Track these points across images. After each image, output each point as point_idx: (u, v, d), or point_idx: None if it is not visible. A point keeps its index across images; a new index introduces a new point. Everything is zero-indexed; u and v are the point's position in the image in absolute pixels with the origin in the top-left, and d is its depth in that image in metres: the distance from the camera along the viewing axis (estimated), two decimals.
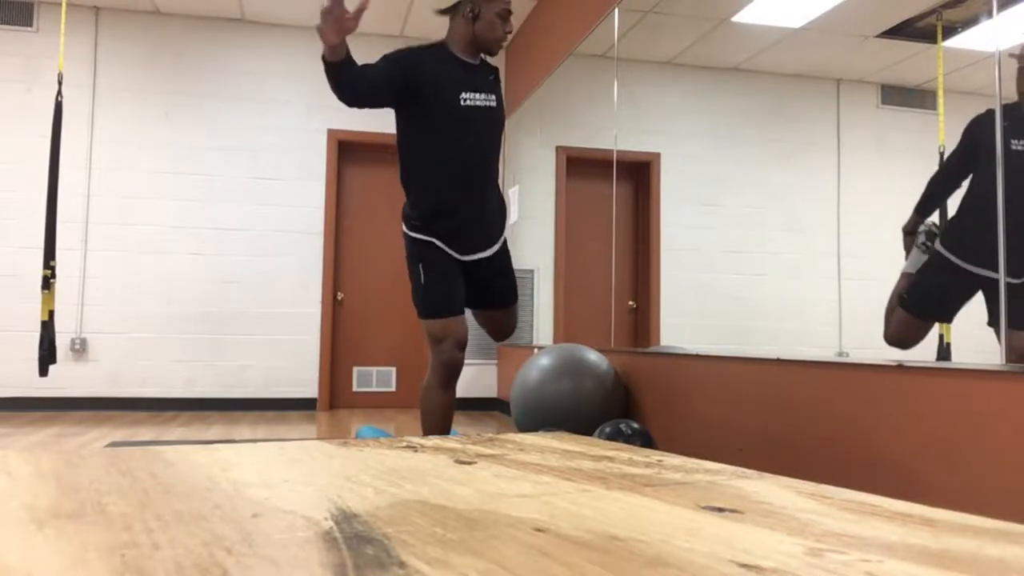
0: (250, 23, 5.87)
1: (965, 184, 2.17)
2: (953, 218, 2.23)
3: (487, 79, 2.75)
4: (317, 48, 5.97)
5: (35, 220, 5.28)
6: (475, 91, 2.66)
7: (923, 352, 2.19)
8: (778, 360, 2.68)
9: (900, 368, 2.17)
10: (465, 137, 2.66)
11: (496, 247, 2.82)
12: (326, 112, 5.94)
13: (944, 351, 2.12)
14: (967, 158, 2.20)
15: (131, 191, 5.60)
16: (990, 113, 2.14)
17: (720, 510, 0.84)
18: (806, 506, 0.87)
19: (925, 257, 2.30)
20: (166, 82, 5.71)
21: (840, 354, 2.49)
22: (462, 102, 2.62)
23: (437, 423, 2.73)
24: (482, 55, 2.76)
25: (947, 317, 2.19)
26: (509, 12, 2.69)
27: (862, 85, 2.52)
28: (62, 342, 5.25)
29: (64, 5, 4.28)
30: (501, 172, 6.18)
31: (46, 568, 0.60)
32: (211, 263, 5.69)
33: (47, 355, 3.88)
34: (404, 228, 2.76)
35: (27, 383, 5.31)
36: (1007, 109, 2.05)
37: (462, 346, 2.71)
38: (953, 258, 2.22)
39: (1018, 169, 1.98)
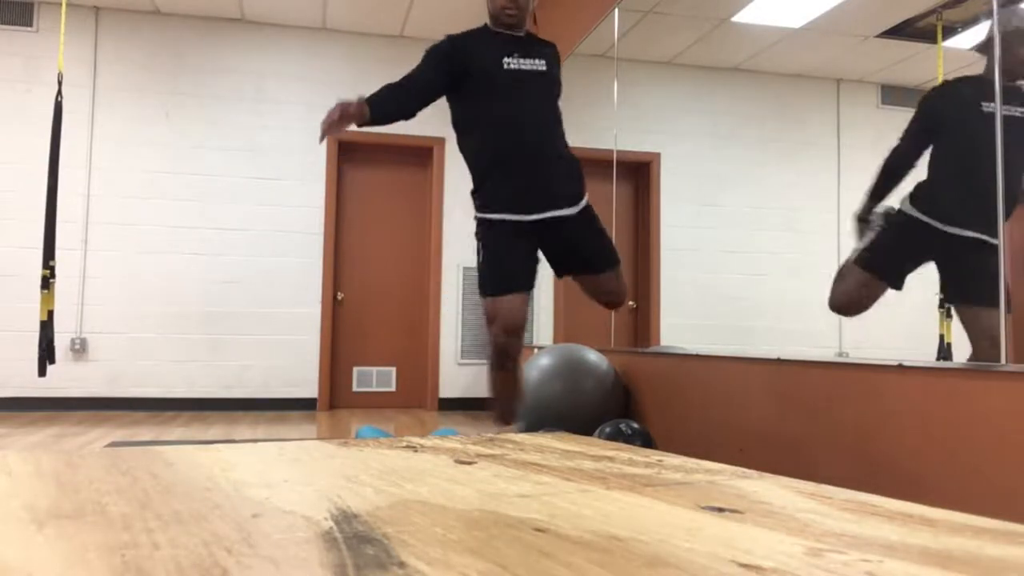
0: (250, 23, 5.87)
1: (925, 158, 2.20)
2: (922, 182, 2.26)
3: (535, 47, 2.78)
4: (317, 48, 5.97)
5: (35, 220, 5.27)
6: (520, 56, 2.70)
7: (923, 352, 2.19)
8: (778, 360, 2.68)
9: (900, 368, 2.17)
10: (514, 98, 2.67)
11: (573, 209, 2.70)
12: (326, 112, 5.93)
13: (944, 351, 2.12)
14: (926, 132, 2.25)
15: (131, 191, 5.60)
16: (944, 85, 2.19)
17: (720, 510, 0.84)
18: (806, 506, 0.86)
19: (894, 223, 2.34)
20: (166, 82, 5.71)
21: (840, 354, 2.49)
22: (505, 65, 2.67)
23: (502, 402, 2.81)
24: (524, 30, 2.82)
25: (902, 276, 2.24)
26: None
27: (862, 85, 2.52)
28: (62, 342, 5.25)
29: (64, 5, 4.28)
30: None
31: (46, 568, 0.60)
32: (211, 263, 5.69)
33: (46, 355, 3.88)
34: (478, 213, 2.74)
35: (27, 383, 5.31)
36: (976, 78, 2.07)
37: (511, 329, 2.64)
38: (925, 218, 2.25)
39: (988, 129, 2.00)
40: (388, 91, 2.63)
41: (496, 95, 2.66)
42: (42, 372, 3.89)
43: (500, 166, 2.66)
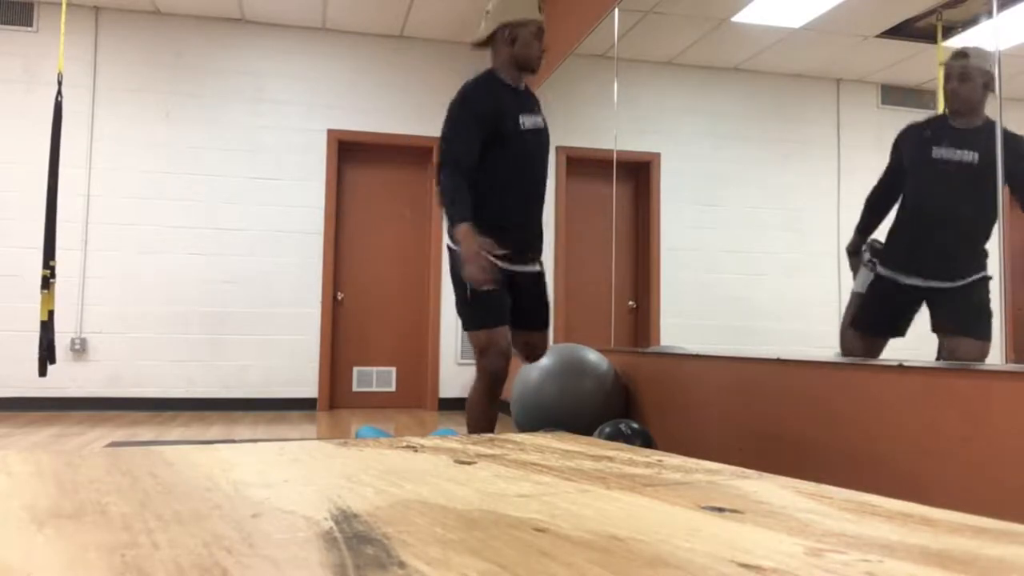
0: (250, 23, 5.87)
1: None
2: (888, 236, 2.26)
3: (533, 102, 2.85)
4: (317, 48, 5.97)
5: (35, 220, 5.27)
6: (528, 114, 2.77)
7: (923, 352, 2.19)
8: (778, 360, 2.68)
9: (900, 368, 2.17)
10: (524, 159, 2.76)
11: (538, 267, 2.90)
12: (326, 112, 5.94)
13: (944, 351, 2.12)
14: (898, 172, 2.25)
15: (131, 191, 5.60)
16: (908, 126, 2.20)
17: (720, 510, 0.84)
18: (806, 506, 0.86)
19: (872, 275, 2.34)
20: (166, 82, 5.71)
21: (840, 354, 2.49)
22: (521, 126, 2.73)
23: (483, 430, 2.78)
24: (524, 80, 2.85)
25: (899, 332, 2.25)
26: (542, 31, 2.77)
27: (862, 85, 2.52)
28: (62, 342, 5.25)
29: (64, 5, 4.28)
30: None
31: (46, 568, 0.60)
32: (211, 263, 5.69)
33: (47, 355, 3.87)
34: (450, 243, 2.75)
35: (27, 383, 5.31)
36: (931, 121, 2.09)
37: (507, 356, 2.75)
38: (893, 275, 2.26)
39: (940, 175, 2.00)
40: (462, 193, 2.63)
41: (513, 153, 2.73)
42: (42, 372, 3.89)
43: (502, 220, 2.74)
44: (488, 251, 2.64)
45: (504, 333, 2.75)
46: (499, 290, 2.73)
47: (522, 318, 2.89)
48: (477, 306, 2.73)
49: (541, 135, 2.81)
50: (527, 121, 2.74)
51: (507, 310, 2.78)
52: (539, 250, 2.90)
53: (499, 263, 2.74)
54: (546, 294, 2.95)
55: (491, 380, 2.73)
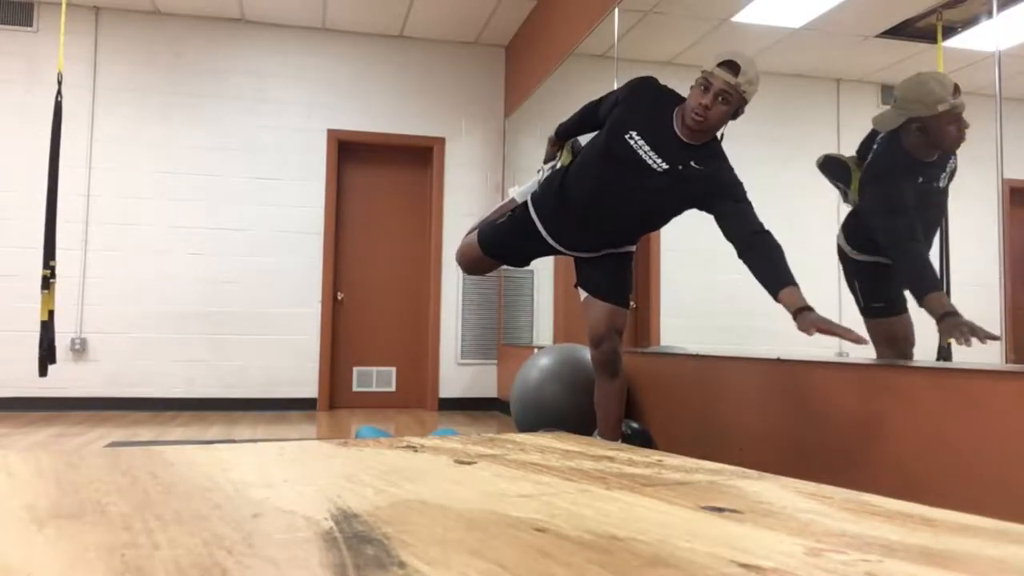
0: (250, 23, 5.87)
1: None
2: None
3: (681, 152, 2.43)
4: (317, 48, 5.97)
5: (35, 220, 5.27)
6: (651, 146, 2.43)
7: (923, 352, 2.19)
8: (778, 360, 2.68)
9: (900, 368, 2.17)
10: (607, 172, 2.49)
11: (598, 253, 2.75)
12: (326, 112, 5.94)
13: (944, 351, 2.12)
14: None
15: (131, 191, 5.60)
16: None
17: (720, 510, 0.84)
18: (806, 506, 0.86)
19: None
20: (166, 82, 5.71)
21: (840, 354, 2.49)
22: (627, 138, 2.45)
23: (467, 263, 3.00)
24: (704, 140, 2.46)
25: (900, 307, 2.28)
26: (708, 84, 2.34)
27: (862, 85, 2.52)
28: (62, 342, 5.25)
29: (64, 5, 4.28)
30: (500, 174, 6.19)
31: (46, 568, 0.60)
32: (211, 263, 5.69)
33: (47, 355, 3.88)
34: (529, 199, 2.81)
35: (27, 383, 5.31)
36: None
37: (465, 267, 2.98)
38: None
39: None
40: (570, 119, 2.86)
41: (601, 158, 2.52)
42: (43, 372, 3.89)
43: (565, 209, 2.66)
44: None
45: (485, 260, 2.89)
46: (521, 241, 2.79)
47: (587, 281, 2.77)
48: (494, 229, 2.86)
49: (652, 175, 2.44)
50: (639, 146, 2.44)
51: (508, 252, 2.88)
52: (602, 246, 2.73)
53: (546, 235, 2.73)
54: (617, 265, 2.73)
55: (455, 258, 3.03)
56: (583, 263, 2.79)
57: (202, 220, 5.69)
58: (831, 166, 2.57)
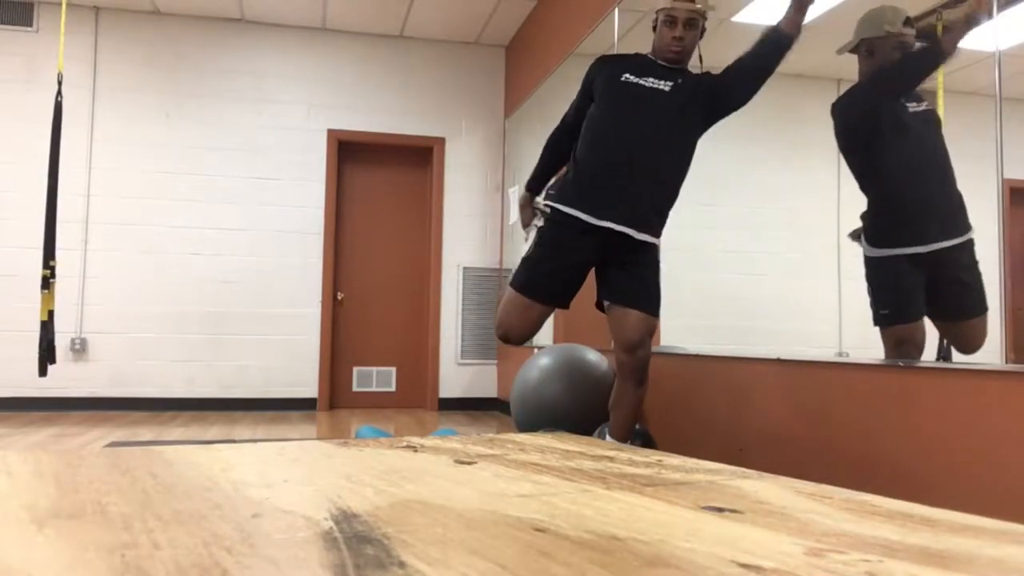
0: (250, 23, 5.87)
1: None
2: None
3: (673, 74, 2.60)
4: (317, 48, 5.97)
5: (35, 220, 5.27)
6: (646, 75, 2.59)
7: (923, 352, 2.19)
8: (778, 360, 2.68)
9: (900, 368, 2.17)
10: (623, 111, 2.58)
11: (639, 234, 2.57)
12: (326, 112, 5.94)
13: (944, 351, 2.12)
14: None
15: (131, 191, 5.60)
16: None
17: (720, 510, 0.84)
18: (806, 506, 0.86)
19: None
20: (166, 82, 5.71)
21: (840, 354, 2.49)
22: (623, 79, 2.59)
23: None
24: (689, 66, 2.65)
25: (922, 312, 2.23)
26: (673, 18, 2.54)
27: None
28: (62, 342, 5.24)
29: (64, 5, 4.28)
30: (500, 174, 6.19)
31: (46, 568, 0.60)
32: (211, 263, 5.69)
33: (47, 355, 3.88)
34: (541, 201, 2.74)
35: (27, 383, 5.31)
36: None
37: (509, 334, 2.66)
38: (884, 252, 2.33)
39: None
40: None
41: (609, 104, 2.61)
42: (43, 372, 3.89)
43: (589, 168, 2.60)
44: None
45: (523, 305, 2.62)
46: (554, 263, 2.61)
47: (613, 291, 2.64)
48: (523, 266, 2.70)
49: (662, 95, 2.56)
50: (636, 80, 2.58)
51: (547, 288, 2.63)
52: (643, 217, 2.58)
53: (578, 213, 2.57)
54: (648, 268, 2.65)
55: (497, 334, 2.74)
56: (606, 272, 2.66)
57: (202, 220, 5.69)
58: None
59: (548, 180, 2.87)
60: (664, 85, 2.59)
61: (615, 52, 2.74)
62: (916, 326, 2.20)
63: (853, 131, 2.42)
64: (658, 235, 2.65)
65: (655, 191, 2.59)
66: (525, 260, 2.70)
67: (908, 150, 2.29)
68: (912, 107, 2.27)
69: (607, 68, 2.66)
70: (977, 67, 2.04)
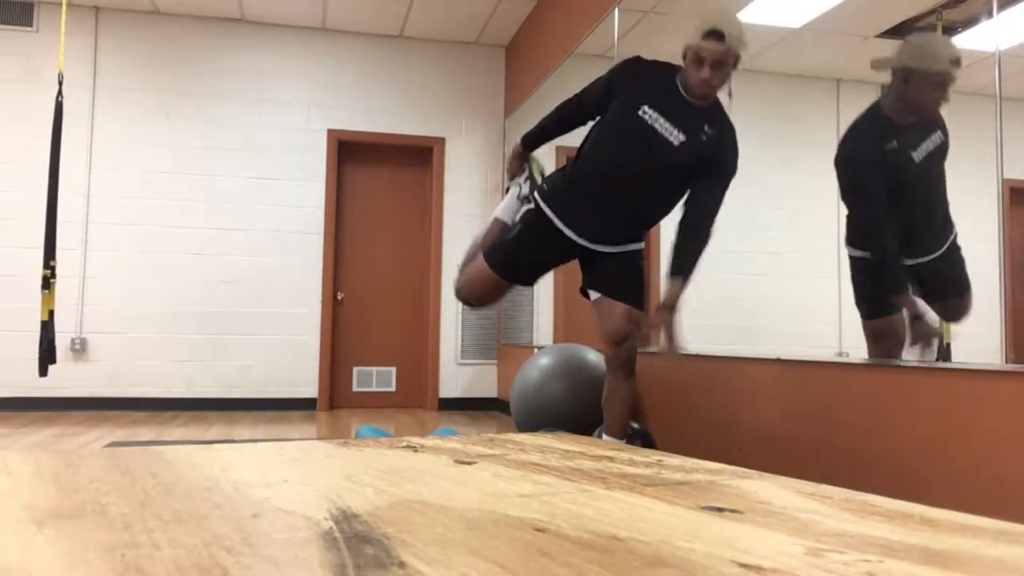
0: (250, 23, 5.87)
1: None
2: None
3: (693, 120, 2.52)
4: (317, 48, 5.97)
5: (35, 220, 5.27)
6: (664, 116, 2.52)
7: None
8: (778, 360, 2.68)
9: (900, 368, 2.17)
10: (630, 149, 2.54)
11: (618, 247, 2.69)
12: (326, 112, 5.94)
13: (944, 351, 2.12)
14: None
15: (131, 191, 5.60)
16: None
17: (720, 510, 0.84)
18: (806, 506, 0.86)
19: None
20: (166, 82, 5.71)
21: (840, 354, 2.49)
22: (640, 112, 2.52)
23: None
24: (709, 102, 2.56)
25: (893, 308, 2.28)
26: (701, 59, 2.43)
27: (862, 85, 2.52)
28: (62, 342, 5.24)
29: (64, 5, 4.28)
30: (500, 174, 6.19)
31: (46, 568, 0.60)
32: (211, 263, 5.69)
33: (47, 355, 3.88)
34: (536, 196, 2.75)
35: (27, 383, 5.31)
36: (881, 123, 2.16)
37: (471, 300, 2.82)
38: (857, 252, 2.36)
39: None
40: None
41: (614, 134, 2.59)
42: (43, 372, 3.89)
43: (582, 192, 2.64)
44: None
45: (493, 280, 2.74)
46: (534, 254, 2.71)
47: (598, 283, 2.72)
48: (503, 246, 2.76)
49: (669, 147, 2.52)
50: (652, 117, 2.51)
51: (521, 272, 2.76)
52: (622, 239, 2.69)
53: (562, 227, 2.64)
54: (632, 263, 2.72)
55: (457, 296, 2.86)
56: (592, 264, 2.74)
57: (202, 220, 5.69)
58: None
59: (544, 143, 2.87)
60: (676, 137, 2.52)
61: (632, 56, 2.66)
62: (894, 319, 2.26)
63: (850, 147, 2.41)
64: (641, 241, 2.76)
65: (640, 223, 2.71)
66: (506, 242, 2.78)
67: (905, 208, 2.27)
68: (924, 146, 2.19)
69: (633, 89, 2.57)
70: (977, 67, 2.04)
